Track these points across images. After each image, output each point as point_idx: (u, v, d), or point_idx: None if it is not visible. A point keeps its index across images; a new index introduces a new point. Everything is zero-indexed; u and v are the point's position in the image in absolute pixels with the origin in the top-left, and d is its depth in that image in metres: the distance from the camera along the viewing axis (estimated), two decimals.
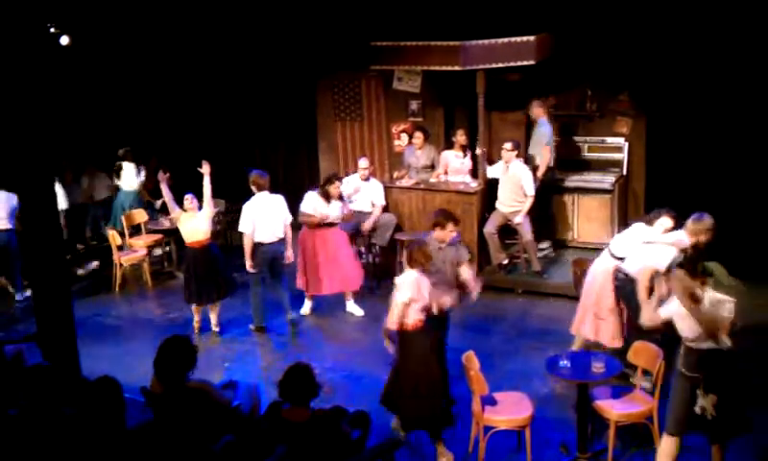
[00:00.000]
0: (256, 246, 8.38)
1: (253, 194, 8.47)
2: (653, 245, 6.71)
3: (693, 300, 5.14)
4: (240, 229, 8.48)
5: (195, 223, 8.53)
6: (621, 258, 6.95)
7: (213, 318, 8.81)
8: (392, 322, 5.98)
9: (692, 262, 5.28)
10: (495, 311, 9.00)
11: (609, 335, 7.09)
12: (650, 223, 6.84)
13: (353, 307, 9.16)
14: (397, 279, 6.10)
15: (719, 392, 5.19)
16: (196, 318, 8.82)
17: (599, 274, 7.13)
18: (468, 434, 6.12)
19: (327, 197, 8.84)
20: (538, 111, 9.72)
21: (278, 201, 8.55)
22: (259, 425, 5.03)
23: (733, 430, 5.37)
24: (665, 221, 6.76)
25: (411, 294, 5.91)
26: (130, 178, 11.33)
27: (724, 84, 9.05)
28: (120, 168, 11.31)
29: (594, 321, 7.16)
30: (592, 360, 5.89)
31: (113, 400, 4.53)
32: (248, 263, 8.41)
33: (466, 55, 8.94)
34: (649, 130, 9.88)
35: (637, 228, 6.96)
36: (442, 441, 6.10)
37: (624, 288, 6.92)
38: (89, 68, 11.54)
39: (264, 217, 8.39)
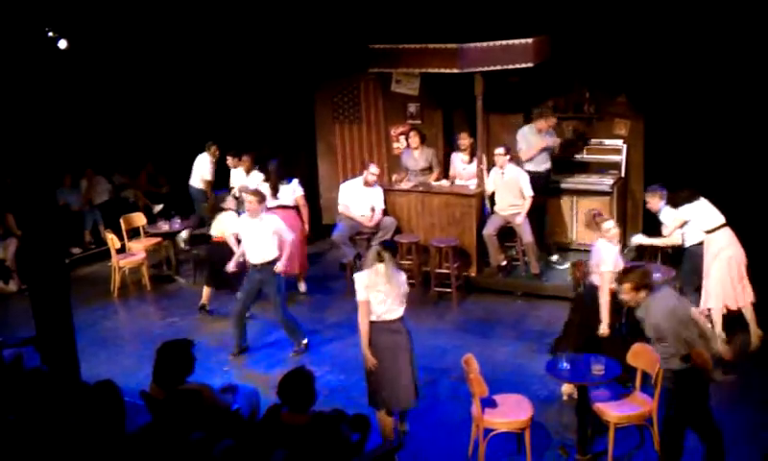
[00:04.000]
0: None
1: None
2: None
3: None
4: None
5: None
6: None
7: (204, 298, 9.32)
8: None
9: None
10: (494, 314, 9.00)
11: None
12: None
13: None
14: None
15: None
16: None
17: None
18: (467, 437, 6.12)
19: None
20: (542, 125, 9.63)
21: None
22: (259, 429, 5.03)
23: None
24: None
25: None
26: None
27: (721, 86, 9.06)
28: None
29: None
30: (592, 362, 5.90)
31: (113, 404, 4.53)
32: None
33: (464, 57, 8.95)
34: (647, 131, 9.88)
35: None
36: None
37: None
38: (88, 72, 11.53)
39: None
